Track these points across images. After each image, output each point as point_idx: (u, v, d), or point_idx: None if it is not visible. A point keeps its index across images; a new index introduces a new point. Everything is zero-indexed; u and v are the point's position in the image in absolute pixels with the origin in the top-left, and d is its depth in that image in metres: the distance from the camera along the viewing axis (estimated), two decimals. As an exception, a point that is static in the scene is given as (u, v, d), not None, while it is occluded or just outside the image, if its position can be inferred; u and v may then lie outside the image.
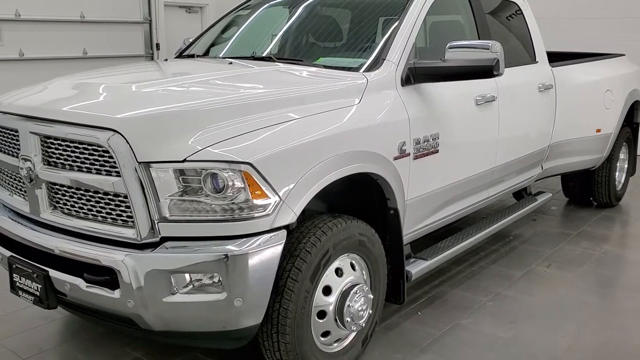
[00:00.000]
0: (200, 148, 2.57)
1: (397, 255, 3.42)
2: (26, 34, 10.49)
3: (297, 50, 4.06)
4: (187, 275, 2.61)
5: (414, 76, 3.47)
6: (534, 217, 5.89)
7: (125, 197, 2.61)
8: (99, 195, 2.70)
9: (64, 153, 2.76)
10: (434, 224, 3.86)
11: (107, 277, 2.64)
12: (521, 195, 5.30)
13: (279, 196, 2.63)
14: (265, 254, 2.63)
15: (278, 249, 2.67)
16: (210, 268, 2.57)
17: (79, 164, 2.72)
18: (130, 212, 2.61)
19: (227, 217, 2.58)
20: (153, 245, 2.61)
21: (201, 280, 2.62)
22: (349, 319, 3.02)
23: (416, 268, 3.61)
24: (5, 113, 3.02)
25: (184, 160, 2.54)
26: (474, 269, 4.63)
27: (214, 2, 12.88)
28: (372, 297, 3.16)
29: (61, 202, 2.85)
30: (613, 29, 8.64)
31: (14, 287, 3.01)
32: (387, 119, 3.27)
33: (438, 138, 3.57)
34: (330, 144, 2.91)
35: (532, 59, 4.89)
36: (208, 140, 2.60)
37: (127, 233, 2.64)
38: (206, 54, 4.39)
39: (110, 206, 2.68)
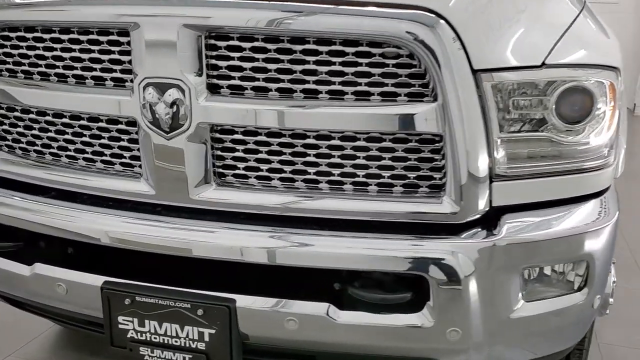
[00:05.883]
0: (552, 45, 1.47)
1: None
2: None
3: None
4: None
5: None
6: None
7: (435, 140, 1.39)
8: (362, 142, 1.42)
9: (273, 67, 1.40)
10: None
11: (404, 293, 1.40)
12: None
13: (615, 127, 1.66)
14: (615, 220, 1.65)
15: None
16: (572, 253, 1.51)
17: (315, 86, 1.40)
18: (440, 166, 1.41)
19: (585, 163, 1.52)
20: (473, 226, 1.45)
21: (532, 276, 1.54)
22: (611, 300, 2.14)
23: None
24: None
25: (542, 65, 1.42)
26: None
27: None
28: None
29: (242, 165, 1.48)
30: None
31: (119, 342, 1.54)
32: None
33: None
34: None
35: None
36: (552, 32, 1.52)
37: (433, 208, 1.42)
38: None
39: (387, 161, 1.42)
